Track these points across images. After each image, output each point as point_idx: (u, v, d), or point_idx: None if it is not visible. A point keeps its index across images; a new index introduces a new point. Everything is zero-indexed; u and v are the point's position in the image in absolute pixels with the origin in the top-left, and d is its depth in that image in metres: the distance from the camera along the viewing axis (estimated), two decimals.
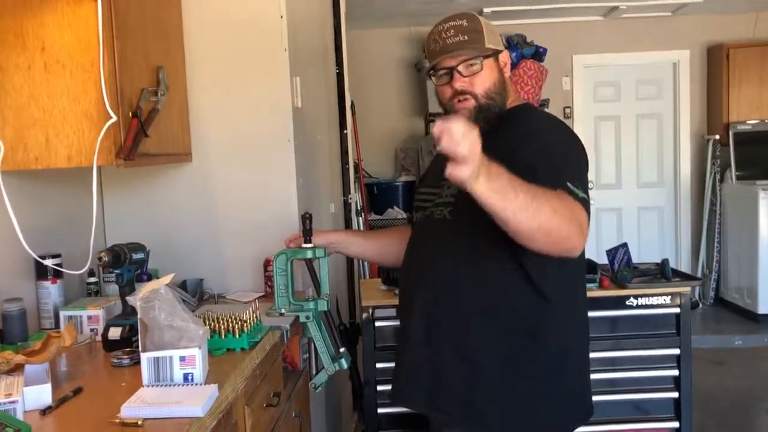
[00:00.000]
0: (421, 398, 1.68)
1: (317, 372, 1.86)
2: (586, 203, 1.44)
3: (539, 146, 1.52)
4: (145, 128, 1.82)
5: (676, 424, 2.59)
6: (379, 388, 2.47)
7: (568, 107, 6.05)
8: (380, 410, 2.49)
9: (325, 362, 1.88)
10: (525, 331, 1.56)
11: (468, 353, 1.58)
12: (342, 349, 1.86)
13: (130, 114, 1.79)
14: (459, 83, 1.60)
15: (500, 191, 1.26)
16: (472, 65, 1.60)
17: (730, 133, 5.63)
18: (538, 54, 5.56)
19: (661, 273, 2.67)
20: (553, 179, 1.38)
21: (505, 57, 1.66)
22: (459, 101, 1.62)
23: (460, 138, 1.17)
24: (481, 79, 1.61)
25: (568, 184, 1.41)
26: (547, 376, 1.58)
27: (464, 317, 1.58)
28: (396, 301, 2.38)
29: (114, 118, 1.70)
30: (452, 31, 1.61)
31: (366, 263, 4.23)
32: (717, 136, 5.79)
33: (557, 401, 1.61)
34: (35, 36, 1.71)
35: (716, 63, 5.83)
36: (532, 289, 1.54)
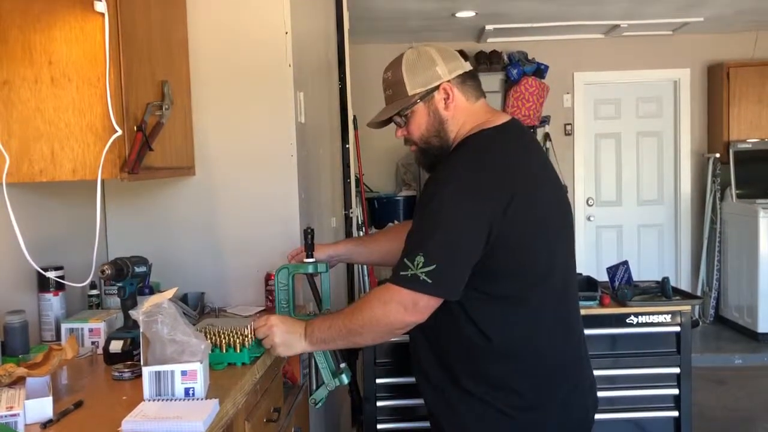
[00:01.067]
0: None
1: (317, 387, 1.86)
2: (415, 280, 1.47)
3: (421, 208, 1.57)
4: (150, 142, 1.84)
5: None
6: (379, 403, 2.47)
7: (568, 124, 6.08)
8: (380, 426, 2.48)
9: (326, 377, 1.88)
10: (476, 370, 1.59)
11: (436, 383, 1.66)
12: (343, 365, 1.86)
13: (135, 128, 1.80)
14: (398, 133, 1.70)
15: (322, 343, 1.65)
16: (401, 117, 1.66)
17: (730, 151, 5.65)
18: (540, 71, 5.59)
19: (662, 291, 2.68)
20: (402, 255, 1.52)
21: (441, 94, 1.61)
22: (410, 146, 1.72)
23: (264, 332, 1.68)
24: (413, 128, 1.66)
25: (405, 260, 1.50)
26: (507, 413, 1.58)
27: (423, 357, 1.68)
28: None
29: (119, 132, 1.71)
30: (384, 84, 1.69)
31: (366, 276, 4.23)
32: (717, 155, 5.81)
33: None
34: (43, 50, 1.73)
35: (716, 82, 5.87)
36: (481, 334, 1.56)
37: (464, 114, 1.63)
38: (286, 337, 1.66)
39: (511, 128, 1.65)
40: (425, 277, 1.47)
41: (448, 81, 1.62)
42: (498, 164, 1.55)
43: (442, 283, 1.48)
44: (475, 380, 1.59)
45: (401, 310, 1.52)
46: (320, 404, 1.86)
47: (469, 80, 1.65)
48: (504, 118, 1.65)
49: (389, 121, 1.71)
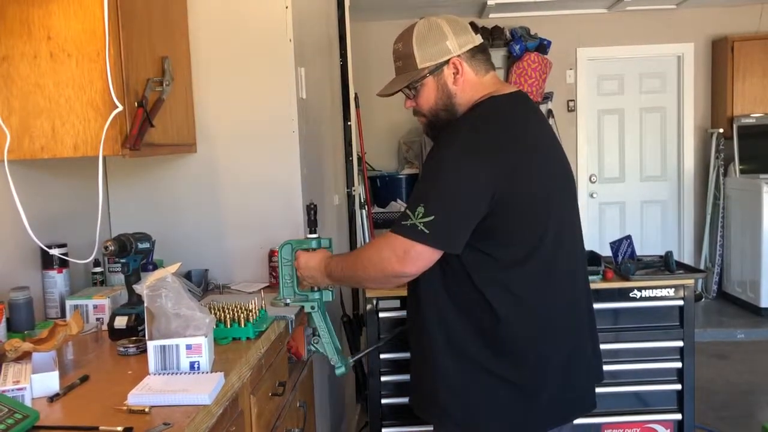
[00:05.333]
0: (412, 400, 1.83)
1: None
2: (413, 229, 1.51)
3: (426, 165, 1.61)
4: (151, 118, 1.82)
5: (678, 416, 2.59)
6: (383, 378, 2.48)
7: (571, 100, 6.04)
8: (384, 401, 2.50)
9: (329, 352, 1.89)
10: (476, 334, 1.60)
11: (429, 355, 1.67)
12: (351, 359, 1.93)
13: (136, 104, 1.79)
14: (407, 104, 1.73)
15: (339, 280, 1.76)
16: (411, 89, 1.68)
17: (734, 126, 5.62)
18: (543, 46, 5.54)
19: (665, 265, 2.67)
20: (406, 207, 1.56)
21: (450, 69, 1.63)
22: (418, 118, 1.74)
23: (296, 266, 1.81)
24: (422, 100, 1.69)
25: (407, 211, 1.54)
26: (505, 377, 1.60)
27: (423, 323, 1.69)
28: (399, 292, 2.40)
29: (120, 108, 1.70)
30: (394, 55, 1.71)
31: (367, 237, 4.25)
32: (721, 130, 5.78)
33: (517, 400, 1.61)
34: (41, 25, 1.71)
35: (721, 56, 5.82)
36: (480, 296, 1.58)
37: (473, 88, 1.66)
38: (310, 272, 1.77)
39: (519, 98, 1.68)
40: (423, 228, 1.51)
41: (458, 56, 1.64)
42: (503, 127, 1.58)
43: (439, 234, 1.51)
44: (477, 346, 1.60)
45: (393, 258, 1.55)
46: (340, 369, 1.90)
47: (479, 54, 1.67)
48: (512, 89, 1.69)
49: (398, 90, 1.73)
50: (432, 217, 1.50)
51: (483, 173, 1.52)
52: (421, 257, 1.53)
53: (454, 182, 1.52)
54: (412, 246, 1.52)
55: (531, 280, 1.60)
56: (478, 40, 1.67)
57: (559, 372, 1.65)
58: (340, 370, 1.91)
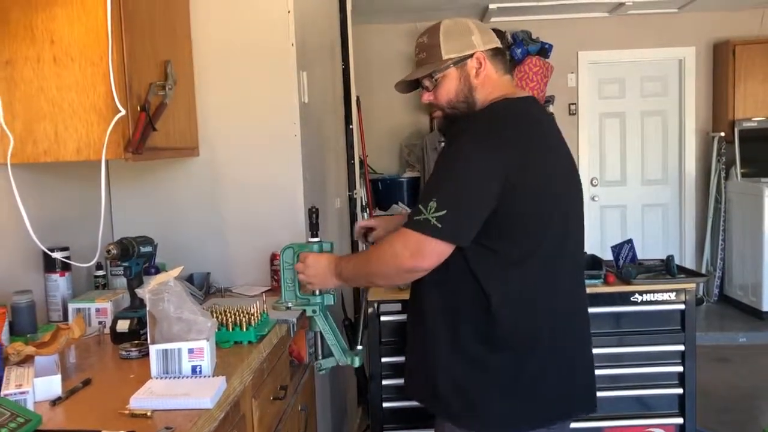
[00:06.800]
0: (411, 390, 1.81)
1: (324, 357, 1.88)
2: (426, 224, 1.52)
3: (440, 161, 1.65)
4: (153, 122, 1.83)
5: (680, 420, 2.59)
6: (385, 382, 2.48)
7: (573, 104, 6.04)
8: (385, 404, 2.50)
9: (337, 354, 1.89)
10: (476, 330, 1.61)
11: (429, 348, 1.68)
12: (360, 347, 1.89)
13: (139, 108, 1.79)
14: (425, 98, 1.74)
15: (349, 279, 1.74)
16: (432, 79, 1.69)
17: (736, 130, 5.62)
18: (544, 50, 5.55)
19: (666, 269, 2.67)
20: (418, 202, 1.57)
21: (473, 62, 1.67)
22: (432, 112, 1.76)
23: (302, 269, 1.74)
24: (442, 92, 1.70)
25: (419, 206, 1.55)
26: (505, 373, 1.61)
27: (424, 316, 1.70)
28: (401, 295, 2.41)
29: (122, 112, 1.70)
30: (417, 48, 1.74)
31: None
32: (722, 134, 5.78)
33: (516, 396, 1.62)
34: (44, 29, 1.72)
35: (722, 60, 5.82)
36: (482, 292, 1.59)
37: (492, 84, 1.69)
38: (320, 273, 1.73)
39: (531, 101, 1.72)
40: (435, 222, 1.51)
41: (482, 51, 1.68)
42: (516, 126, 1.62)
43: (451, 227, 1.52)
44: (477, 342, 1.61)
45: (407, 253, 1.55)
46: (324, 371, 1.88)
47: (500, 55, 1.72)
48: (525, 93, 1.74)
49: (416, 87, 1.76)
50: (444, 212, 1.51)
51: (494, 167, 1.53)
52: (434, 252, 1.54)
53: (466, 176, 1.53)
54: (425, 240, 1.53)
55: (533, 278, 1.61)
56: (500, 43, 1.73)
57: (560, 370, 1.66)
58: (355, 364, 1.89)
